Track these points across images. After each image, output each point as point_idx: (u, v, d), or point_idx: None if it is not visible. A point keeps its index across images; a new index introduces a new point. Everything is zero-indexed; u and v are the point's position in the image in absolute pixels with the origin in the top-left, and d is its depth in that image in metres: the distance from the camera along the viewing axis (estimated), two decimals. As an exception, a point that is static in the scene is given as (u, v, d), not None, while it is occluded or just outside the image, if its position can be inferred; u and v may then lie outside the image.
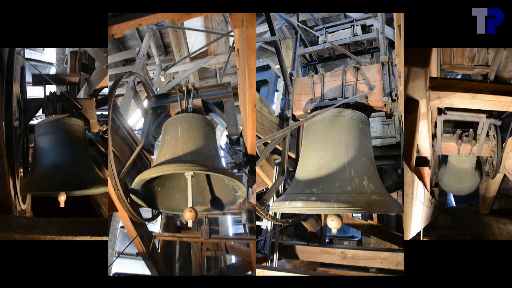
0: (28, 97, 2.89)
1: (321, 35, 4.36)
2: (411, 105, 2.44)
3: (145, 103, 3.02)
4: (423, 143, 3.14)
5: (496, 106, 2.55)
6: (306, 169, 2.51)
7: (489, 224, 5.18)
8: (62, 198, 2.46)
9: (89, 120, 2.96)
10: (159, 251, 3.90)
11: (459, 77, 4.91)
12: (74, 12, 2.00)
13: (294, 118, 3.44)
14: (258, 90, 7.59)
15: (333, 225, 2.21)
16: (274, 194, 3.12)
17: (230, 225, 8.51)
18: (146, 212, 2.90)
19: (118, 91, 5.67)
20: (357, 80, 3.07)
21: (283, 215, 3.50)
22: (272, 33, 3.48)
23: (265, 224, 3.90)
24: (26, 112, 2.76)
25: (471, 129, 4.09)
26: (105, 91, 4.30)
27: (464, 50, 3.58)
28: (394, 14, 2.45)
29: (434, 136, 3.95)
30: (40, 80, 2.82)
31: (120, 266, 6.72)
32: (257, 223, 4.08)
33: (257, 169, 3.39)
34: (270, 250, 3.94)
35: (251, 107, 2.29)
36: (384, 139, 7.57)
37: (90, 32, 2.02)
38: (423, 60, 2.20)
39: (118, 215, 2.94)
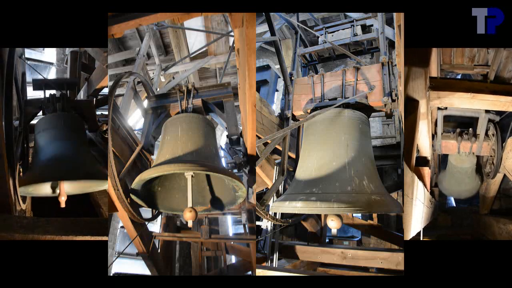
0: (28, 98, 2.90)
1: (321, 35, 4.36)
2: (411, 105, 2.44)
3: (145, 103, 3.02)
4: (423, 143, 3.14)
5: (496, 106, 2.56)
6: (306, 169, 2.51)
7: (489, 224, 5.18)
8: (62, 198, 2.45)
9: (89, 120, 2.95)
10: (159, 251, 3.90)
11: (459, 77, 4.91)
12: (74, 12, 2.00)
13: (294, 118, 3.44)
14: (258, 90, 7.59)
15: (333, 225, 2.21)
16: (274, 194, 3.12)
17: (230, 225, 8.51)
18: (146, 212, 2.90)
19: (118, 91, 5.68)
20: (357, 80, 3.07)
21: (283, 215, 3.50)
22: (272, 33, 3.48)
23: (265, 224, 3.90)
24: (26, 113, 2.76)
25: (470, 128, 4.10)
26: (105, 91, 4.30)
27: (464, 50, 3.58)
28: (394, 14, 2.45)
29: (434, 135, 3.96)
30: (40, 84, 2.84)
31: (120, 266, 6.72)
32: (257, 223, 4.08)
33: (257, 169, 3.39)
34: (270, 250, 3.94)
35: (251, 107, 2.29)
36: (384, 139, 7.57)
37: (90, 32, 2.02)
38: (423, 60, 2.20)
39: (118, 215, 2.94)
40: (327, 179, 2.34)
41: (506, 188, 5.24)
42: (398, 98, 2.85)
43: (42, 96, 2.82)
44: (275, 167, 3.46)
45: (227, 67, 4.88)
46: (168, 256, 4.43)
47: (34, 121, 2.85)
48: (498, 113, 3.62)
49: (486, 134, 4.03)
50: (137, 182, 2.24)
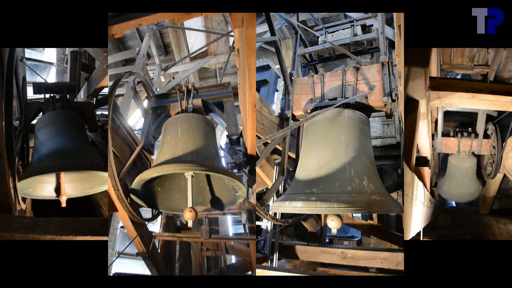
0: (28, 98, 2.90)
1: (321, 35, 4.36)
2: (411, 105, 2.44)
3: (145, 103, 3.02)
4: (423, 143, 3.14)
5: (496, 106, 2.56)
6: (306, 169, 2.51)
7: (489, 224, 5.19)
8: (63, 198, 2.45)
9: (89, 120, 2.96)
10: (159, 251, 3.90)
11: (459, 77, 4.92)
12: (74, 12, 2.00)
13: (294, 118, 3.44)
14: (258, 90, 7.59)
15: (333, 225, 2.21)
16: (274, 194, 3.12)
17: (230, 225, 8.51)
18: (146, 212, 2.90)
19: (118, 91, 5.67)
20: (357, 80, 3.07)
21: (283, 215, 3.50)
22: (272, 33, 3.48)
23: (265, 224, 3.90)
24: (26, 114, 2.77)
25: (470, 128, 4.12)
26: (105, 91, 4.30)
27: (464, 50, 3.58)
28: (394, 14, 2.45)
29: (434, 135, 3.97)
30: (40, 88, 2.85)
31: (120, 266, 6.73)
32: (257, 223, 4.08)
33: (257, 169, 3.39)
34: (270, 250, 3.94)
35: (251, 107, 2.29)
36: (384, 139, 7.57)
37: (90, 32, 2.02)
38: (423, 60, 2.20)
39: (118, 215, 2.94)
40: (327, 179, 2.34)
41: (506, 188, 5.25)
42: (398, 98, 2.85)
43: (42, 98, 2.83)
44: (275, 167, 3.46)
45: (227, 67, 4.89)
46: (168, 256, 4.43)
47: (34, 122, 2.86)
48: (498, 112, 3.63)
49: (486, 133, 4.05)
50: (137, 182, 2.24)
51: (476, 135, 4.11)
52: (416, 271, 2.07)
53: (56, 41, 2.03)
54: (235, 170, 2.83)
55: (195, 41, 6.15)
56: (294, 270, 3.69)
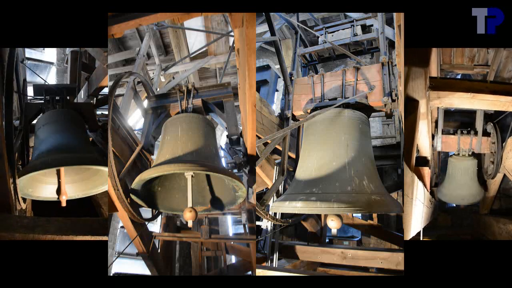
0: (28, 99, 2.91)
1: (321, 35, 4.36)
2: (411, 105, 2.44)
3: (145, 103, 3.02)
4: (423, 143, 3.14)
5: (496, 106, 2.55)
6: (306, 169, 2.51)
7: (489, 224, 5.19)
8: (63, 198, 2.46)
9: (89, 120, 2.96)
10: (159, 251, 3.90)
11: (459, 77, 4.92)
12: (74, 12, 2.00)
13: (294, 118, 3.44)
14: (258, 90, 7.59)
15: (333, 225, 2.21)
16: (274, 194, 3.12)
17: (230, 225, 8.51)
18: (146, 212, 2.90)
19: (118, 91, 5.68)
20: (357, 80, 3.07)
21: (283, 215, 3.50)
22: (272, 33, 3.48)
23: (265, 224, 3.90)
24: (27, 114, 2.77)
25: (469, 128, 4.13)
26: (105, 91, 4.30)
27: (464, 50, 3.59)
28: (394, 14, 2.45)
29: (434, 135, 3.98)
30: (40, 90, 2.87)
31: (120, 266, 6.73)
32: (257, 223, 4.08)
33: (257, 169, 3.39)
34: (270, 250, 3.94)
35: (251, 107, 2.29)
36: (384, 139, 7.57)
37: (90, 32, 2.03)
38: (423, 60, 2.20)
39: (118, 215, 2.94)
40: (327, 179, 2.34)
41: (506, 188, 5.25)
42: (398, 98, 2.85)
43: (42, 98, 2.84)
44: (275, 167, 3.46)
45: (227, 67, 4.89)
46: (168, 256, 4.43)
47: (34, 122, 2.86)
48: (498, 111, 3.63)
49: (486, 131, 4.06)
50: (137, 182, 2.24)
51: (476, 133, 4.12)
52: (416, 271, 2.07)
53: (57, 41, 2.03)
54: (235, 170, 2.83)
55: (195, 41, 6.15)
56: (294, 270, 3.69)
